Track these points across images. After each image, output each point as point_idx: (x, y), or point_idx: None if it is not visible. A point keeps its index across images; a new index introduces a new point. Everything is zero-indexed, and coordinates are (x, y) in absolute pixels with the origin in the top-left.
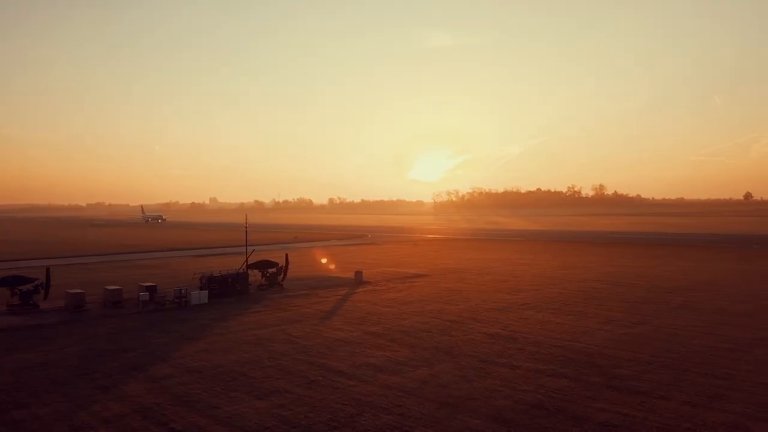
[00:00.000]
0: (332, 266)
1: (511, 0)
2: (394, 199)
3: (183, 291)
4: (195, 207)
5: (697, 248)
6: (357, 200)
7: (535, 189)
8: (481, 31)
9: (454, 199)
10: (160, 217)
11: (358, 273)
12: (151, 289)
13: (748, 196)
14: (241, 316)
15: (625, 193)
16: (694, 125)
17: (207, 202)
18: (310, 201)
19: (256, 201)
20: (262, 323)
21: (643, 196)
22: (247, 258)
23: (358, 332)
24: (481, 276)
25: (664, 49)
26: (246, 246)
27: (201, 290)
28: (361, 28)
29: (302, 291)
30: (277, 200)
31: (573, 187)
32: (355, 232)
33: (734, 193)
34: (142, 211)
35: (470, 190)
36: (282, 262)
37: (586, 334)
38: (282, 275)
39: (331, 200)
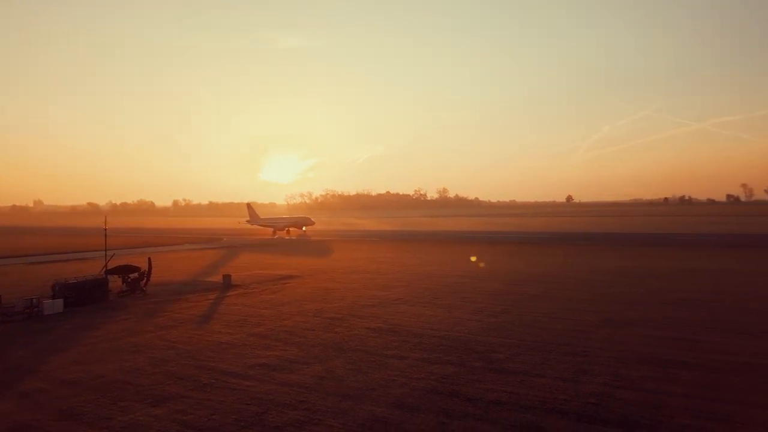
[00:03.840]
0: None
1: (362, 2)
2: (246, 202)
3: (34, 300)
4: (17, 210)
5: (534, 245)
6: (205, 202)
7: (384, 192)
8: (332, 33)
9: (307, 201)
10: (307, 221)
11: (227, 276)
12: None
13: (569, 198)
14: (108, 324)
15: (465, 196)
16: (524, 134)
17: (31, 204)
18: (152, 203)
19: (89, 203)
20: (134, 330)
21: (480, 198)
22: (106, 263)
23: (242, 334)
24: (350, 275)
25: (498, 62)
26: (105, 250)
27: (54, 299)
28: (209, 27)
29: (168, 296)
30: (114, 202)
31: (419, 190)
32: (208, 235)
33: (558, 195)
34: (251, 216)
35: (323, 192)
36: (144, 267)
37: (459, 324)
38: (145, 280)
39: (175, 202)
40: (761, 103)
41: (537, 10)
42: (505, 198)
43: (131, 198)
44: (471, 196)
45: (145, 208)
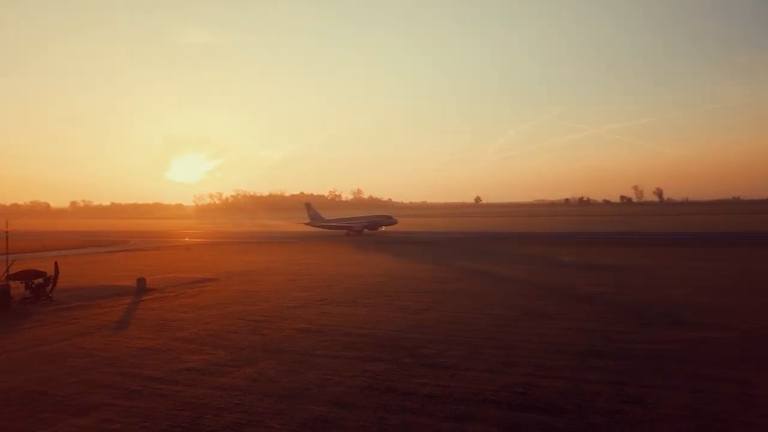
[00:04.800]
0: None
1: None
2: (151, 202)
3: None
4: None
5: (447, 245)
6: (106, 203)
7: (299, 192)
8: (241, 29)
9: (217, 201)
10: (387, 219)
11: (141, 280)
12: None
13: (478, 199)
14: (15, 334)
15: (379, 197)
16: (434, 137)
17: None
18: (47, 204)
19: None
20: (44, 339)
21: (394, 200)
22: (8, 268)
23: (163, 339)
24: (270, 276)
25: (411, 64)
26: (7, 254)
27: None
28: (106, 18)
29: (77, 302)
30: (3, 204)
31: (334, 191)
32: (114, 237)
33: (467, 197)
34: (312, 217)
35: (234, 193)
36: (49, 271)
37: (385, 322)
38: (51, 286)
39: (73, 203)
40: (648, 111)
41: (455, 11)
42: (417, 199)
43: (23, 199)
44: (385, 197)
45: (39, 210)
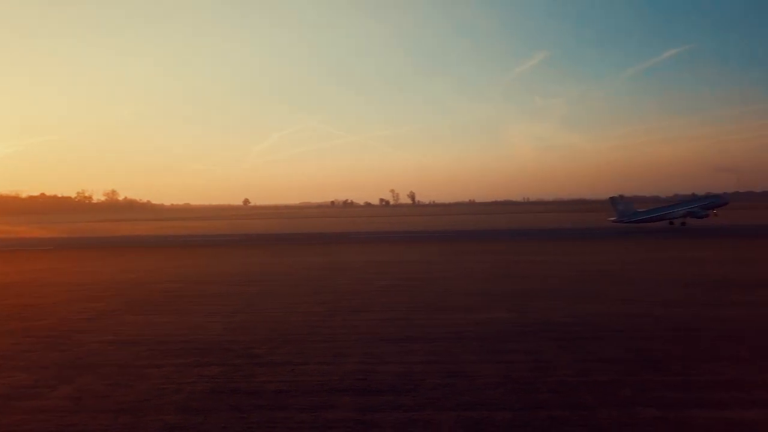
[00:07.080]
0: None
1: None
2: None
3: None
4: None
5: (227, 246)
6: None
7: (38, 194)
8: None
9: None
10: (720, 198)
11: None
12: None
13: (246, 201)
14: None
15: (137, 198)
16: (199, 137)
17: None
18: None
19: None
20: None
21: (153, 201)
22: None
23: None
24: (38, 288)
25: (171, 61)
26: None
27: None
28: None
29: None
30: None
31: (83, 192)
32: None
33: (234, 199)
34: (621, 212)
35: None
36: None
37: (200, 327)
38: None
39: None
40: (403, 121)
41: (221, 7)
42: (179, 201)
43: None
44: (143, 199)
45: None
